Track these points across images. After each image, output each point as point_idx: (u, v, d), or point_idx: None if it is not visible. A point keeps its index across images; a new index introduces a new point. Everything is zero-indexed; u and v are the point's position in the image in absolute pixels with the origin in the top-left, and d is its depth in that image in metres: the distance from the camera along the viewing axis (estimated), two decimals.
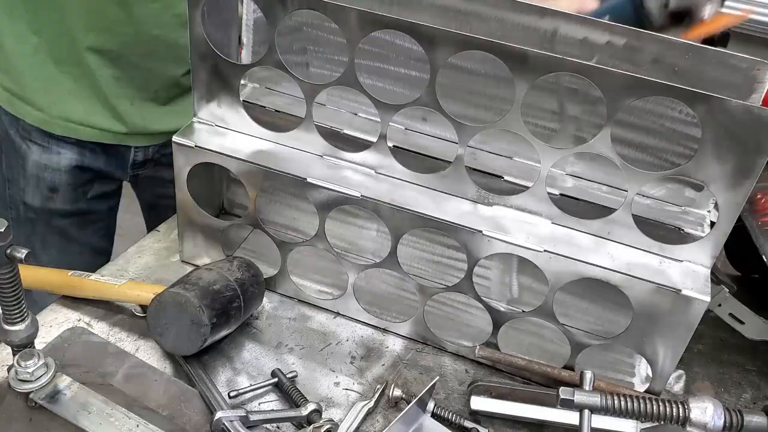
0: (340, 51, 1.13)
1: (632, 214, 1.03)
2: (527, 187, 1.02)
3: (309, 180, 1.04)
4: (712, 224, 0.96)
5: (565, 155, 0.97)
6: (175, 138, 1.08)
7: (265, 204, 1.28)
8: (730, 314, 1.13)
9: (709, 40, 1.19)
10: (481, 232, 0.99)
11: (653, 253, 0.99)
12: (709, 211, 1.07)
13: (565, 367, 1.07)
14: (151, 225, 1.38)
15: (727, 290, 1.11)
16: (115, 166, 1.46)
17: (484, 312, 1.07)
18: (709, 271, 0.97)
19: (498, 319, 1.07)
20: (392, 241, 1.05)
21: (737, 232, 1.23)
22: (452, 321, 1.16)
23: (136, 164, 1.48)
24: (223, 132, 1.12)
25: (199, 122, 1.13)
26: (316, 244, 1.11)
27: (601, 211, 1.02)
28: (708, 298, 0.93)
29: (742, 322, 1.13)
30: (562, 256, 0.97)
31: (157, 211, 1.61)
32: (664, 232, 1.04)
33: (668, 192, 1.09)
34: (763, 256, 1.08)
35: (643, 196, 1.09)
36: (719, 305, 1.13)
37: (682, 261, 0.98)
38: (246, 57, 1.19)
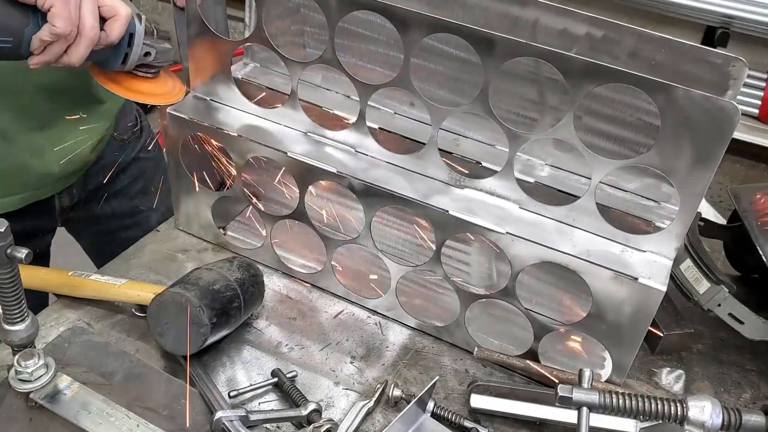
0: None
1: (604, 205, 1.04)
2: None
3: (289, 154, 1.09)
4: None
5: (529, 140, 0.98)
6: (169, 110, 1.14)
7: (256, 178, 1.33)
8: (730, 314, 1.12)
9: (710, 40, 1.18)
10: (447, 211, 1.02)
11: (617, 242, 1.00)
12: None
13: (530, 354, 1.08)
14: (100, 264, 1.29)
15: (727, 290, 1.10)
16: (41, 220, 1.29)
17: (454, 293, 1.10)
18: (671, 262, 0.97)
19: (466, 300, 1.09)
20: (366, 217, 1.09)
21: (737, 232, 1.22)
22: (424, 300, 1.19)
23: (64, 210, 1.33)
24: (217, 107, 1.18)
25: (195, 97, 1.19)
26: (298, 218, 1.15)
27: (571, 199, 1.04)
28: (664, 288, 0.94)
29: (741, 322, 1.12)
30: (523, 238, 0.98)
31: (101, 250, 1.43)
32: (634, 224, 1.05)
33: (645, 186, 1.09)
34: (763, 256, 1.08)
35: (620, 189, 1.10)
36: (719, 305, 1.11)
37: (645, 251, 0.99)
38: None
